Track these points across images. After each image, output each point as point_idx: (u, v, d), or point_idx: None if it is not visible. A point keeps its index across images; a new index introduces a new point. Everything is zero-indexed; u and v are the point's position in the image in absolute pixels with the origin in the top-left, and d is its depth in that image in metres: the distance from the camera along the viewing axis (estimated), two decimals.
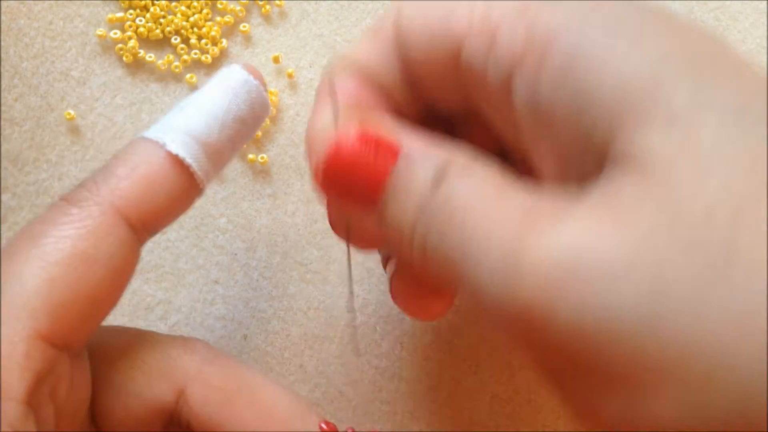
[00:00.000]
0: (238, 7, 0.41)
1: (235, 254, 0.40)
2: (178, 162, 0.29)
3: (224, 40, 0.41)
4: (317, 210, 0.40)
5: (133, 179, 0.29)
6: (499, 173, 0.23)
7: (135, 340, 0.31)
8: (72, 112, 0.40)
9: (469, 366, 0.39)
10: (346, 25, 0.42)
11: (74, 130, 0.40)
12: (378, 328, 0.40)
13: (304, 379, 0.39)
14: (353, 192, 0.25)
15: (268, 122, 0.41)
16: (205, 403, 0.30)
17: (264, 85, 0.32)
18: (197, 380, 0.30)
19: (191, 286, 0.39)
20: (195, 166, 0.30)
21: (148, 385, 0.30)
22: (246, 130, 0.32)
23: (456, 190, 0.23)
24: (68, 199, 0.28)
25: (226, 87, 0.31)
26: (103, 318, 0.29)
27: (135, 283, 0.39)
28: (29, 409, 0.25)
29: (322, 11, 0.42)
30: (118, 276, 0.28)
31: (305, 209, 0.40)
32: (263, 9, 0.42)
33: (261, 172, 0.40)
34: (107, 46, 0.41)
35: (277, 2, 0.42)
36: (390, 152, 0.24)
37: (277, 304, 0.39)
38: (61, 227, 0.27)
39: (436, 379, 0.39)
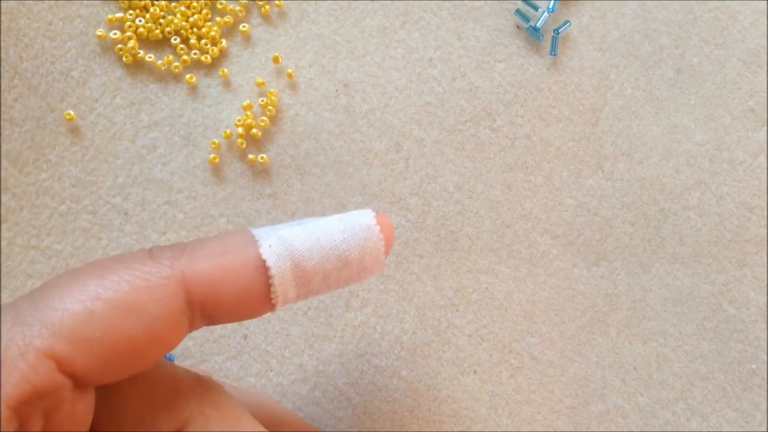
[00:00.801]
0: (238, 8, 0.42)
1: None
2: (263, 268, 0.29)
3: (224, 41, 0.41)
4: (317, 210, 0.40)
5: (213, 262, 0.28)
6: None
7: (149, 368, 0.30)
8: (72, 112, 0.40)
9: (468, 365, 0.39)
10: (345, 25, 0.42)
11: (74, 130, 0.40)
12: (378, 328, 0.40)
13: (304, 378, 0.39)
14: None
15: (268, 122, 0.41)
16: None
17: (390, 240, 0.31)
18: (198, 422, 0.29)
19: None
20: (276, 281, 0.29)
21: (152, 418, 0.29)
22: (347, 273, 0.31)
23: None
24: (152, 251, 0.28)
25: (346, 224, 0.31)
26: (122, 373, 0.28)
27: None
28: (14, 415, 0.25)
29: (322, 11, 0.42)
30: (154, 341, 0.28)
31: (305, 209, 0.40)
32: (263, 9, 0.42)
33: (261, 172, 0.40)
34: (107, 47, 0.41)
35: (277, 2, 0.42)
36: None
37: None
38: (128, 272, 0.27)
39: (436, 378, 0.39)
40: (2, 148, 0.40)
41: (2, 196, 0.39)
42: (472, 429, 0.39)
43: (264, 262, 0.29)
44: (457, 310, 0.40)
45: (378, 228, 0.31)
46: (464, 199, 0.41)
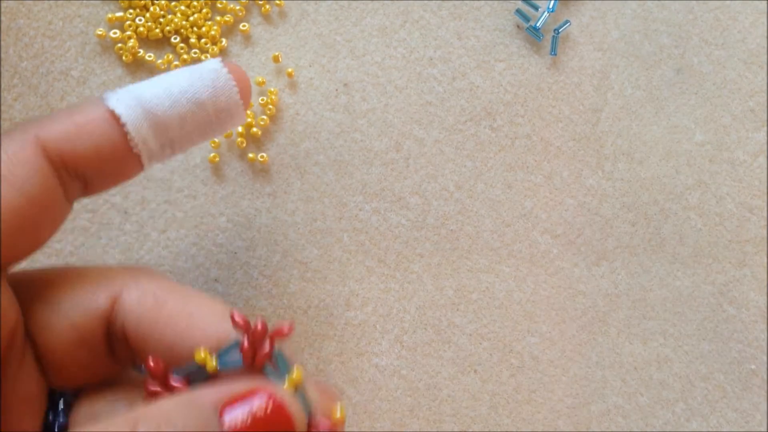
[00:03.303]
0: (238, 7, 0.42)
1: (235, 253, 0.40)
2: (114, 119, 0.30)
3: (224, 40, 0.41)
4: (317, 209, 0.40)
5: (64, 121, 0.30)
6: None
7: (77, 267, 0.32)
8: None
9: (469, 365, 0.39)
10: (345, 24, 0.42)
11: None
12: (378, 327, 0.40)
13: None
14: None
15: (268, 121, 0.41)
16: (139, 304, 0.30)
17: (245, 87, 0.32)
18: (132, 287, 0.31)
19: (191, 285, 0.39)
20: (130, 127, 0.30)
21: (86, 294, 0.30)
22: (203, 115, 0.32)
23: None
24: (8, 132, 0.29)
25: (193, 70, 0.32)
26: (22, 251, 0.29)
27: None
28: None
29: (322, 11, 0.42)
30: (36, 206, 0.29)
31: (305, 208, 0.40)
32: (263, 8, 0.42)
33: (261, 170, 0.40)
34: (107, 46, 0.41)
35: (277, 2, 0.42)
36: None
37: (276, 302, 0.39)
38: None
39: (436, 377, 0.39)
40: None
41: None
42: (473, 428, 0.39)
43: (113, 112, 0.30)
44: (458, 310, 0.40)
45: (226, 70, 0.32)
46: (464, 199, 0.41)
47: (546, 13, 0.42)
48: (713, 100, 0.42)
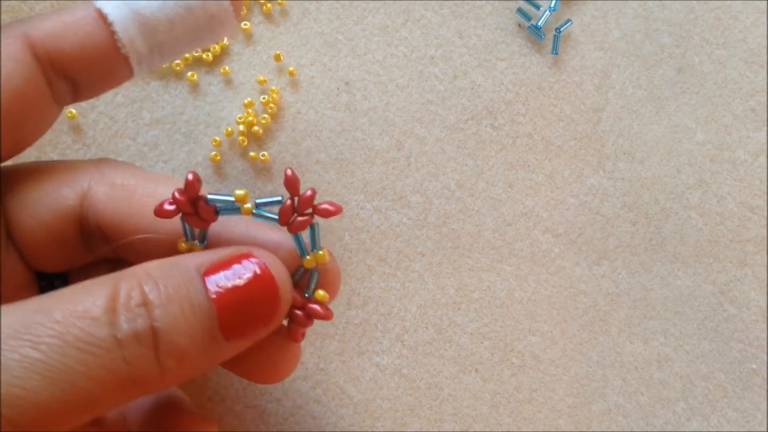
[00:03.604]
0: None
1: None
2: (102, 18, 0.30)
3: (225, 38, 0.41)
4: None
5: (52, 19, 0.30)
6: None
7: (43, 162, 0.32)
8: (73, 110, 0.40)
9: (470, 364, 0.39)
10: (347, 23, 0.42)
11: (75, 128, 0.40)
12: (379, 326, 0.40)
13: (305, 376, 0.39)
14: None
15: (269, 120, 0.41)
16: (108, 199, 0.31)
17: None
18: (99, 181, 0.31)
19: None
20: (118, 27, 0.30)
21: (53, 191, 0.31)
22: (192, 20, 0.31)
23: None
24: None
25: None
26: (4, 149, 0.30)
27: None
28: None
29: (323, 9, 0.42)
30: (20, 100, 0.29)
31: None
32: (264, 7, 0.42)
33: (262, 169, 0.40)
34: None
35: (279, 0, 0.42)
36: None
37: None
38: None
39: (437, 376, 0.39)
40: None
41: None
42: (474, 428, 0.39)
43: (101, 11, 0.30)
44: (459, 309, 0.40)
45: None
46: (466, 197, 0.41)
47: (547, 12, 0.42)
48: (714, 100, 0.42)
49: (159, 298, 0.26)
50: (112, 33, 0.30)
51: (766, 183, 0.41)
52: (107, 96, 0.41)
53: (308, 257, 0.29)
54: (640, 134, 0.42)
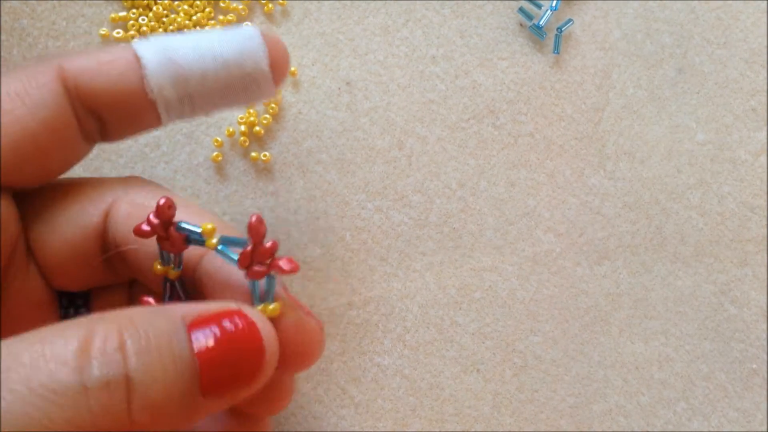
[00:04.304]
0: (241, 6, 0.42)
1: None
2: (137, 62, 0.30)
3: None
4: (319, 208, 0.40)
5: (89, 57, 0.30)
6: None
7: (69, 179, 0.32)
8: None
9: (471, 364, 0.39)
10: (348, 23, 0.42)
11: None
12: (380, 326, 0.40)
13: (307, 376, 0.39)
14: None
15: (271, 120, 0.41)
16: (127, 218, 0.30)
17: (279, 59, 0.32)
18: (122, 199, 0.31)
19: None
20: (149, 72, 0.30)
21: (78, 209, 0.31)
22: (226, 76, 0.31)
23: None
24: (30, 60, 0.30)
25: (226, 31, 0.31)
26: (28, 176, 0.30)
27: None
28: None
29: (325, 10, 0.42)
30: (47, 130, 0.29)
31: (308, 207, 0.40)
32: (266, 8, 0.42)
33: (263, 169, 0.40)
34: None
35: (280, 1, 0.42)
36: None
37: None
38: (22, 71, 0.29)
39: (438, 377, 0.39)
40: None
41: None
42: (475, 428, 0.39)
43: (136, 54, 0.30)
44: (460, 308, 0.40)
45: (260, 36, 0.31)
46: (467, 197, 0.41)
47: (549, 11, 0.42)
48: (715, 100, 0.42)
49: (138, 345, 0.24)
50: (143, 77, 0.30)
51: (766, 183, 0.41)
52: None
53: (260, 307, 0.28)
54: (641, 134, 0.42)
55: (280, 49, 0.32)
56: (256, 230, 0.28)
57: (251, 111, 0.40)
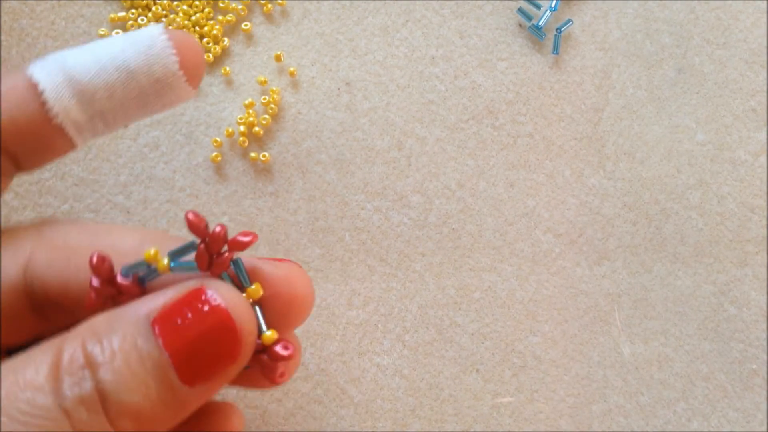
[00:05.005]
0: (240, 6, 0.42)
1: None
2: (34, 87, 0.27)
3: (226, 39, 0.41)
4: (319, 208, 0.40)
5: None
6: None
7: None
8: None
9: (471, 364, 0.39)
10: (347, 23, 0.42)
11: None
12: (380, 326, 0.40)
13: (306, 376, 0.39)
14: None
15: (270, 120, 0.41)
16: (49, 264, 0.28)
17: (191, 58, 0.29)
18: (39, 245, 0.29)
19: None
20: (50, 97, 0.27)
21: None
22: (135, 85, 0.29)
23: None
24: None
25: (127, 36, 0.29)
26: None
27: None
28: None
29: (324, 10, 0.42)
30: None
31: (307, 207, 0.40)
32: (265, 8, 0.42)
33: (263, 170, 0.40)
34: None
35: (279, 1, 0.42)
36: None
37: None
38: None
39: (438, 377, 0.39)
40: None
41: (5, 196, 0.39)
42: (474, 428, 0.39)
43: (31, 81, 0.27)
44: (460, 309, 0.40)
45: (164, 37, 0.29)
46: (466, 197, 0.41)
47: (548, 12, 0.42)
48: (714, 100, 0.42)
49: (102, 355, 0.24)
50: (43, 103, 0.27)
51: (766, 183, 0.41)
52: None
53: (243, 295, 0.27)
54: (641, 134, 0.42)
55: (190, 47, 0.29)
56: (197, 226, 0.26)
57: (250, 111, 0.40)
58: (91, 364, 0.24)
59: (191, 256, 0.26)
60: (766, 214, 0.41)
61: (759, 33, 0.43)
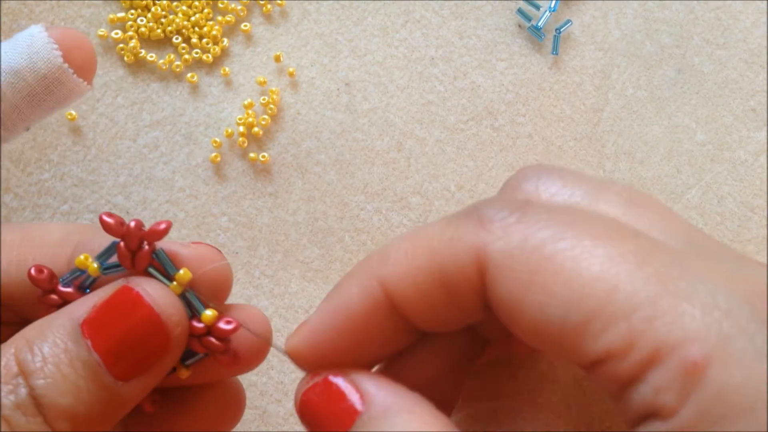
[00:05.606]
0: (239, 7, 0.42)
1: (237, 253, 0.40)
2: None
3: (225, 40, 0.41)
4: (318, 208, 0.40)
5: None
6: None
7: None
8: (73, 112, 0.40)
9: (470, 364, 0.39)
10: (347, 24, 0.42)
11: (76, 130, 0.40)
12: None
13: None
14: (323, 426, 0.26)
15: (269, 121, 0.41)
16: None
17: (77, 52, 0.29)
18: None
19: None
20: None
21: None
22: (24, 86, 0.29)
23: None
24: None
25: (8, 41, 0.29)
26: None
27: None
28: None
29: (323, 10, 0.42)
30: None
31: (306, 208, 0.40)
32: (264, 8, 0.42)
33: (262, 170, 0.40)
34: (108, 47, 0.41)
35: (279, 1, 0.42)
36: (351, 409, 0.25)
37: (278, 302, 0.39)
38: None
39: None
40: (4, 148, 0.40)
41: (4, 196, 0.39)
42: (474, 428, 0.39)
43: None
44: None
45: (45, 34, 0.29)
46: (466, 199, 0.41)
47: (547, 12, 0.42)
48: (714, 100, 0.42)
49: (34, 362, 0.24)
50: None
51: (766, 183, 0.41)
52: (107, 98, 0.41)
53: (174, 284, 0.27)
54: (641, 134, 0.42)
55: (74, 41, 0.29)
56: (110, 226, 0.26)
57: (250, 112, 0.40)
58: (23, 371, 0.24)
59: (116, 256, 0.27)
60: (766, 214, 0.41)
61: (759, 33, 0.42)
